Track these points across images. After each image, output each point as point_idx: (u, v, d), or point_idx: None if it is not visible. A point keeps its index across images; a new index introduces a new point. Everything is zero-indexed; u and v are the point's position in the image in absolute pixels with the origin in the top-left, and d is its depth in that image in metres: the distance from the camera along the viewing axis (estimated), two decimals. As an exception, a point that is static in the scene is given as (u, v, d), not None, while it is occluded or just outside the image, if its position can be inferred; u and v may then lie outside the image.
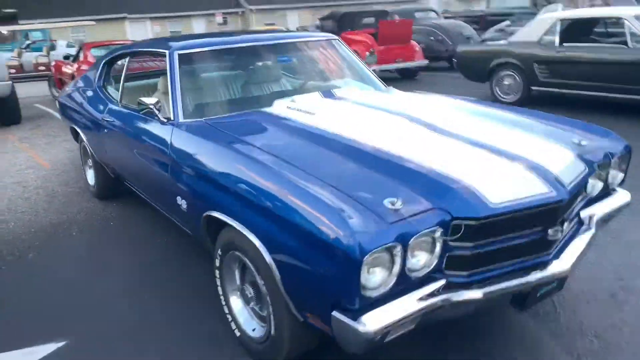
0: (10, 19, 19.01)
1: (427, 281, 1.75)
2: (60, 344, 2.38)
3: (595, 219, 2.22)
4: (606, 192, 2.42)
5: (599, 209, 2.29)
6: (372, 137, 2.21)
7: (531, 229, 1.87)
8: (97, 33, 22.80)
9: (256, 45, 3.19)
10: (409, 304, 1.67)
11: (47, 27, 18.56)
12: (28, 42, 18.58)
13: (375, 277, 1.62)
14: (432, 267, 1.74)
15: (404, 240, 1.61)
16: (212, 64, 3.06)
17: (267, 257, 1.85)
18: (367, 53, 10.72)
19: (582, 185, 2.10)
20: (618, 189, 2.50)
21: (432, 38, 12.68)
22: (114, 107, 3.48)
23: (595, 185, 2.33)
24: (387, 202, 1.68)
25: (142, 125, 2.93)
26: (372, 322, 1.58)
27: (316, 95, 2.88)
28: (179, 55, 2.88)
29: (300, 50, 3.46)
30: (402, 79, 11.59)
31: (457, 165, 1.94)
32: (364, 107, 2.66)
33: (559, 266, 1.94)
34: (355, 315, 1.60)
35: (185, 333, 2.40)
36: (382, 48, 10.89)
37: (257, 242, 1.88)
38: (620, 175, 2.47)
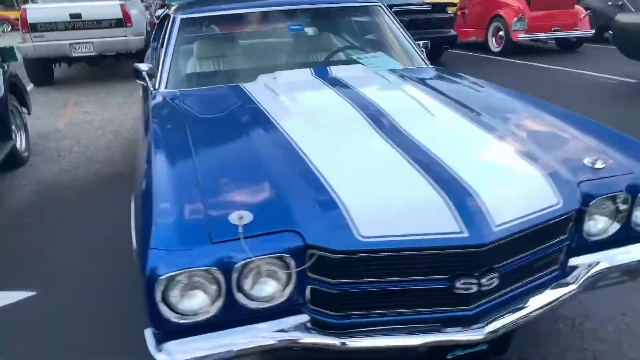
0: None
1: (285, 314, 1.45)
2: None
3: (581, 274, 1.61)
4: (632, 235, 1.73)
5: (594, 260, 1.65)
6: (304, 134, 1.84)
7: (431, 275, 1.40)
8: None
9: (272, 10, 2.92)
10: (235, 338, 1.39)
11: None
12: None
13: (193, 301, 1.37)
14: (286, 298, 1.42)
15: (225, 264, 1.32)
16: (215, 31, 2.90)
17: None
18: (515, 19, 9.44)
19: (548, 225, 1.51)
20: None
21: (609, 2, 10.68)
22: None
23: (603, 225, 1.68)
24: (234, 217, 1.39)
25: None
26: (170, 351, 1.35)
27: (305, 72, 2.52)
28: (181, 20, 2.77)
29: (331, 17, 3.10)
30: (561, 51, 10.03)
31: (352, 183, 1.53)
32: (336, 95, 2.21)
33: (472, 332, 1.43)
34: (163, 338, 1.38)
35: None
36: (535, 14, 9.49)
37: None
38: None
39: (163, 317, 1.34)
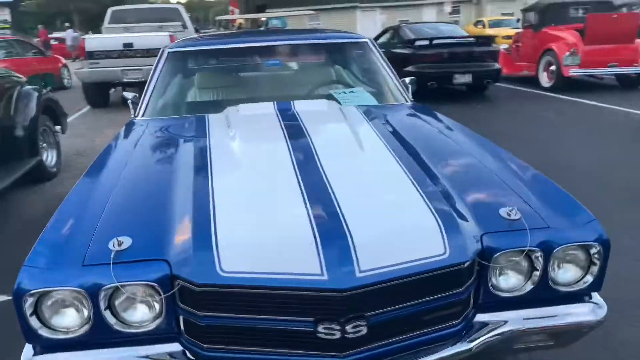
0: (263, 9, 22.69)
1: (160, 341, 1.49)
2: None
3: (482, 333, 1.53)
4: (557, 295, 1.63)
5: (506, 318, 1.57)
6: (224, 173, 1.87)
7: (295, 316, 1.39)
8: (329, 21, 24.59)
9: (256, 47, 3.03)
10: (98, 358, 1.45)
11: (282, 14, 20.87)
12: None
13: (64, 318, 1.44)
14: (156, 325, 1.45)
15: (92, 287, 1.39)
16: (198, 65, 3.04)
17: None
18: (566, 53, 9.08)
19: (432, 276, 1.44)
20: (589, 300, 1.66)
21: (678, 37, 10.03)
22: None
23: (516, 282, 1.59)
24: (113, 242, 1.46)
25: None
26: (35, 363, 1.42)
27: (268, 106, 2.56)
28: (169, 53, 2.95)
29: (316, 52, 3.17)
30: (621, 88, 9.50)
31: (236, 222, 1.56)
32: (279, 131, 2.22)
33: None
34: (39, 351, 1.46)
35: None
36: (589, 48, 9.06)
37: None
38: (585, 277, 1.62)
39: (32, 330, 1.41)
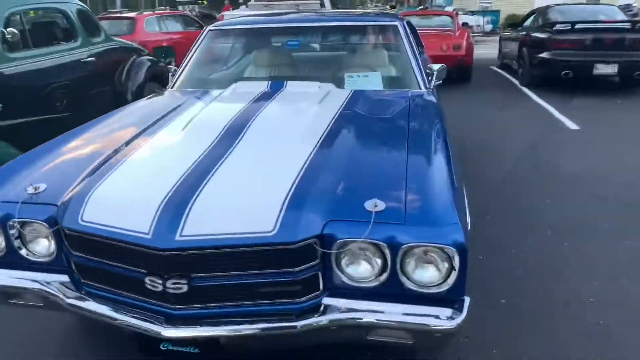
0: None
1: (57, 272, 1.79)
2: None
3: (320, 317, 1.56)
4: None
5: (357, 307, 1.59)
6: (160, 135, 2.16)
7: (132, 266, 1.60)
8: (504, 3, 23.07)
9: (283, 27, 3.18)
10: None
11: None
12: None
13: None
14: (52, 258, 1.77)
15: (2, 219, 1.75)
16: (232, 42, 3.28)
17: None
18: None
19: (259, 251, 1.52)
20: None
21: None
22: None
23: (366, 272, 1.58)
24: (30, 187, 1.80)
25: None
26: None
27: (262, 84, 2.73)
28: (209, 31, 3.26)
29: (344, 35, 3.20)
30: None
31: (124, 179, 1.79)
32: (238, 107, 2.38)
33: (168, 329, 1.57)
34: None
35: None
36: None
37: None
38: (446, 281, 1.53)
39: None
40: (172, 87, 3.10)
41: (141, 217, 1.57)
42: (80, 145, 2.16)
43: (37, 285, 1.76)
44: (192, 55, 3.21)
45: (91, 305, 1.69)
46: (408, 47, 3.01)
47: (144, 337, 1.65)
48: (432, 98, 2.74)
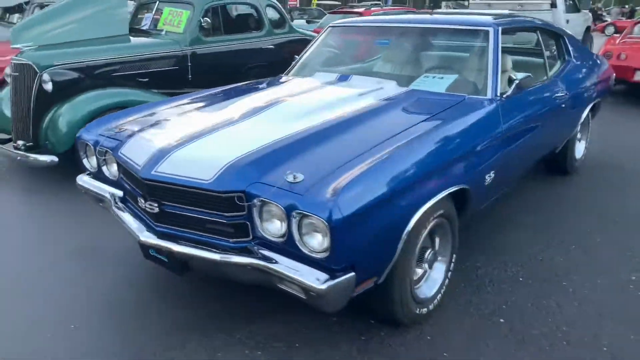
0: None
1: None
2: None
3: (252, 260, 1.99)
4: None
5: (276, 258, 1.95)
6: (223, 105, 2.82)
7: (135, 187, 2.29)
8: None
9: (379, 26, 3.47)
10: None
11: None
12: None
13: None
14: (116, 178, 2.57)
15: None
16: (342, 39, 3.69)
17: None
18: None
19: (199, 193, 2.02)
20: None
21: None
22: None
23: (276, 229, 1.95)
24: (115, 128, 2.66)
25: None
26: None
27: (332, 76, 3.15)
28: (329, 27, 3.76)
29: (435, 37, 3.32)
30: None
31: (197, 140, 2.30)
32: (295, 91, 2.92)
33: (144, 235, 2.21)
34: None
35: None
36: None
37: None
38: (317, 242, 1.83)
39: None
40: (285, 75, 3.70)
41: (144, 156, 2.23)
42: (161, 112, 2.90)
43: (107, 194, 2.60)
44: (308, 48, 3.76)
45: (121, 213, 2.44)
46: (492, 53, 2.97)
47: (143, 247, 2.31)
48: (489, 105, 2.72)
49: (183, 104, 2.98)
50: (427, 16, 3.50)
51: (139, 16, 5.61)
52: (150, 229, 2.24)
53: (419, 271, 2.41)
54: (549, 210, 3.70)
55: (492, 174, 2.63)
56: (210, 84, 5.01)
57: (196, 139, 2.28)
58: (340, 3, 36.60)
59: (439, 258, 2.51)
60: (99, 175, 2.70)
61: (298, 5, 33.99)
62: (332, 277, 1.81)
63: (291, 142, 2.19)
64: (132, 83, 4.60)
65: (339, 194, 1.79)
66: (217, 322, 2.41)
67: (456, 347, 2.25)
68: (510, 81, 2.91)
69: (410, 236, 2.09)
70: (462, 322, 2.42)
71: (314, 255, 1.84)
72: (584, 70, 4.12)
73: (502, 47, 2.97)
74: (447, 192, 2.25)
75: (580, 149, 4.52)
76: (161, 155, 2.18)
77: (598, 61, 4.71)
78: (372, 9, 11.77)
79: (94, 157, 2.67)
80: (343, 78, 3.14)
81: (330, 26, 3.78)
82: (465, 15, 3.66)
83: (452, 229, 2.49)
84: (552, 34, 3.93)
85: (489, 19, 3.22)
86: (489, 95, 2.82)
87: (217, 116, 2.60)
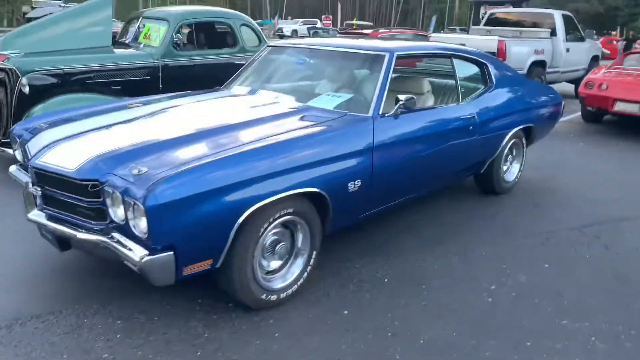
0: None
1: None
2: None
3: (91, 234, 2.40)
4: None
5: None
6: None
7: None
8: None
9: (308, 48, 3.86)
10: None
11: None
12: None
13: None
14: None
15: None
16: (275, 57, 4.09)
17: None
18: None
19: (67, 180, 2.43)
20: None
21: None
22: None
23: (119, 212, 2.32)
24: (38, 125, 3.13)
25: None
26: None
27: (245, 89, 3.54)
28: (267, 46, 4.18)
29: (340, 60, 3.70)
30: None
31: (80, 136, 2.76)
32: (189, 101, 3.40)
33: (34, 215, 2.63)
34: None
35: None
36: None
37: None
38: (143, 225, 2.19)
39: None
40: (226, 85, 4.12)
41: (38, 147, 2.67)
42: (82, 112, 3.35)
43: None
44: (248, 64, 4.17)
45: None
46: (382, 75, 3.29)
47: (38, 226, 2.72)
48: (363, 122, 3.04)
49: (105, 107, 3.43)
50: (342, 41, 3.85)
51: (130, 29, 6.18)
52: (40, 210, 2.66)
53: (276, 262, 2.74)
54: (455, 224, 3.94)
55: (357, 182, 2.93)
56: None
57: (81, 135, 2.70)
58: (373, 24, 37.42)
59: (301, 253, 2.83)
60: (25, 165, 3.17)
61: (331, 26, 34.94)
62: (152, 254, 2.18)
63: (156, 143, 2.58)
64: (106, 90, 5.13)
65: (158, 184, 2.15)
66: (96, 295, 2.80)
67: (291, 331, 2.55)
68: (397, 102, 3.22)
69: (247, 228, 2.43)
70: (309, 312, 2.72)
71: (141, 235, 2.20)
72: (508, 96, 4.34)
73: (424, 70, 3.23)
74: (293, 192, 2.58)
75: (512, 171, 4.72)
76: (48, 147, 2.61)
77: (536, 89, 4.92)
78: (380, 30, 12.13)
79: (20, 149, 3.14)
80: (252, 91, 3.55)
81: (267, 45, 4.19)
82: (375, 42, 3.98)
83: (310, 229, 2.80)
84: (473, 60, 4.18)
85: (392, 45, 3.55)
86: (370, 113, 3.13)
87: (115, 117, 3.04)
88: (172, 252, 2.21)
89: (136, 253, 2.19)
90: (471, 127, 3.83)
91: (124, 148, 2.52)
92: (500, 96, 4.28)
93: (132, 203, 2.18)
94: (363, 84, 3.48)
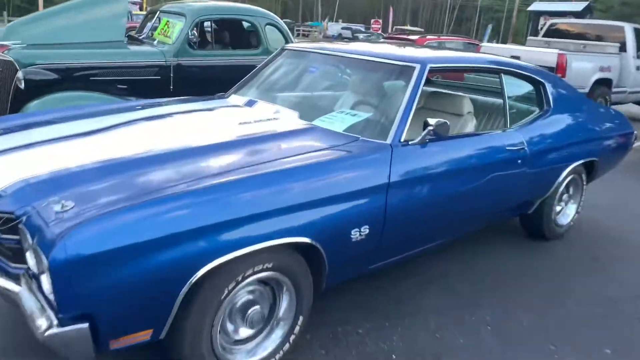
0: None
1: None
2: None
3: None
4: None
5: None
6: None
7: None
8: None
9: (326, 54, 3.21)
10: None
11: None
12: None
13: None
14: None
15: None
16: (291, 60, 3.45)
17: None
18: None
19: None
20: None
21: None
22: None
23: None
24: None
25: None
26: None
27: (243, 99, 2.92)
28: (282, 48, 3.57)
29: (361, 70, 3.03)
30: None
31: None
32: (179, 109, 2.84)
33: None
34: None
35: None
36: None
37: None
38: None
39: None
40: (227, 92, 3.55)
41: None
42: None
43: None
44: (258, 68, 3.57)
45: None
46: (409, 92, 2.62)
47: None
48: (379, 152, 2.38)
49: (79, 112, 2.90)
50: (367, 47, 3.19)
51: (147, 24, 5.73)
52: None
53: (246, 331, 2.12)
54: (490, 279, 3.20)
55: (364, 230, 2.27)
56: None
57: (21, 149, 2.17)
58: (423, 30, 36.37)
59: (280, 323, 2.20)
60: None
61: (380, 32, 34.22)
62: (60, 326, 1.60)
63: (100, 167, 2.01)
64: (111, 89, 4.67)
65: (74, 231, 1.58)
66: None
67: None
68: (425, 127, 2.54)
69: (204, 288, 1.83)
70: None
71: (50, 297, 1.63)
72: (567, 123, 3.57)
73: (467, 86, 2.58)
74: (273, 243, 1.96)
75: (568, 213, 3.92)
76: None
77: (602, 115, 4.10)
78: (428, 37, 11.30)
79: None
80: (250, 102, 2.93)
81: (282, 48, 3.58)
82: (408, 50, 3.28)
83: (297, 290, 2.17)
84: (527, 77, 3.43)
85: (425, 54, 2.87)
86: (389, 140, 2.47)
87: (79, 126, 2.51)
88: (86, 325, 1.62)
89: (39, 322, 1.62)
90: (520, 161, 3.09)
91: (59, 171, 1.96)
92: (558, 123, 3.50)
93: (40, 253, 1.61)
94: (384, 102, 2.81)
